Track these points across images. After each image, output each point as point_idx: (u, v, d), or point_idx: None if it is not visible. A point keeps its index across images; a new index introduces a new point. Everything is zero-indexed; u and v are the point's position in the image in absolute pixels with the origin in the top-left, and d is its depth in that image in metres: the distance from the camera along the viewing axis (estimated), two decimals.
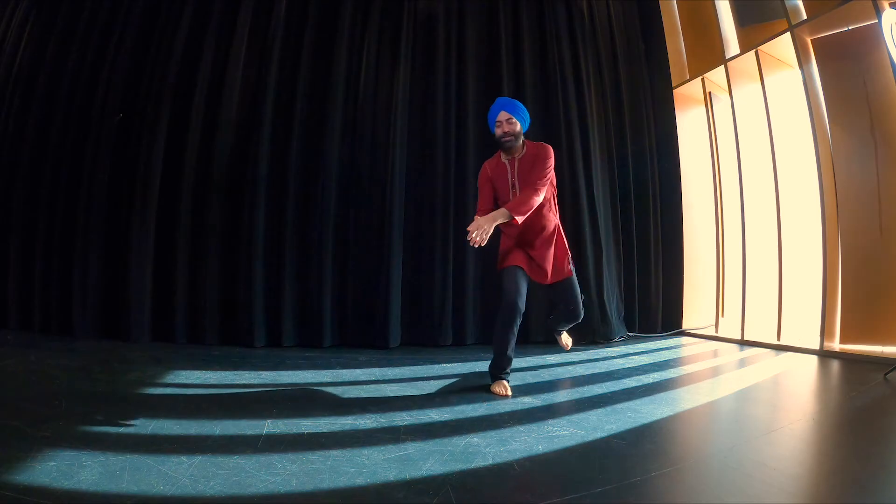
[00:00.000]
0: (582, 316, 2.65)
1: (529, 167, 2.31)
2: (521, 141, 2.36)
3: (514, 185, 2.33)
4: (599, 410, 2.02)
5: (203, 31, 3.73)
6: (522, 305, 2.26)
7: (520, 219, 2.16)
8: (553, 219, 2.44)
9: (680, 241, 4.58)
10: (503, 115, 2.32)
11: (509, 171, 2.35)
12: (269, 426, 1.70)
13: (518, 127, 2.33)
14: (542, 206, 2.33)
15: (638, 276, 4.46)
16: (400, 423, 1.78)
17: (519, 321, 2.26)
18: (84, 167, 3.58)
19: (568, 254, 2.50)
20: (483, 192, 2.44)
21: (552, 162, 2.32)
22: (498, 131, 2.33)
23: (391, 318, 3.61)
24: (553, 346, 3.72)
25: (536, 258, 2.39)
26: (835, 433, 1.89)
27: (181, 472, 1.28)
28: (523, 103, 3.61)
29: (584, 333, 3.96)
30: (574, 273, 2.53)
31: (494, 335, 2.30)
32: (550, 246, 2.43)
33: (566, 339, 2.95)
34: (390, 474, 1.32)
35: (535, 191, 2.23)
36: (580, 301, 2.58)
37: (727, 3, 4.31)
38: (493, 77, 4.15)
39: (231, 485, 1.23)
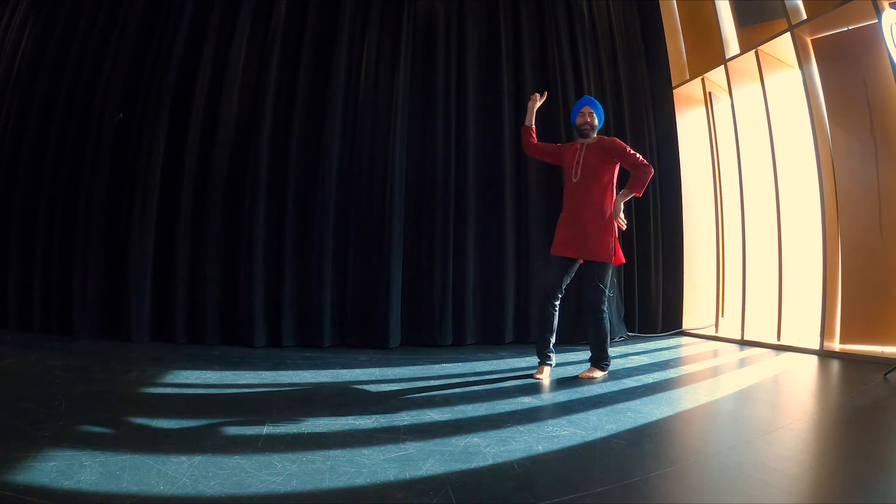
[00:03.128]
0: (602, 315, 2.67)
1: (598, 156, 2.71)
2: (594, 133, 2.81)
3: (578, 163, 2.74)
4: (599, 410, 2.02)
5: (203, 31, 3.73)
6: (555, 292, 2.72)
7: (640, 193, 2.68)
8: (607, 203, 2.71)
9: (680, 241, 4.58)
10: (587, 109, 2.80)
11: (578, 153, 2.76)
12: (269, 426, 1.70)
13: (595, 121, 2.79)
14: (602, 190, 2.70)
15: (638, 276, 4.46)
16: (400, 423, 1.78)
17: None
18: (84, 167, 3.58)
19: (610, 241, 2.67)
20: (551, 149, 2.97)
21: (628, 147, 2.73)
22: (579, 120, 2.80)
23: (391, 318, 3.61)
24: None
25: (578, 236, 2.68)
26: (835, 433, 1.89)
27: (181, 472, 1.28)
28: (523, 104, 3.88)
29: (584, 333, 3.96)
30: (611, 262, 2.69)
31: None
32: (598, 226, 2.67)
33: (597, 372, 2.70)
34: (390, 474, 1.32)
35: (645, 167, 2.65)
36: (603, 293, 2.67)
37: (727, 3, 4.31)
38: (493, 77, 4.15)
39: (231, 485, 1.23)
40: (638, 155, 2.69)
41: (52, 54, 3.79)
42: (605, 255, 2.63)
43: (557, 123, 4.12)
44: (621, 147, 2.71)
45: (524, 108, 4.10)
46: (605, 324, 2.67)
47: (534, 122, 2.95)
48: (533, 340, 3.84)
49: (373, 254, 3.71)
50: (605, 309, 2.69)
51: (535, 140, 2.96)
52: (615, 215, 2.64)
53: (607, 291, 2.69)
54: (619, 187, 2.74)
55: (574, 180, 2.72)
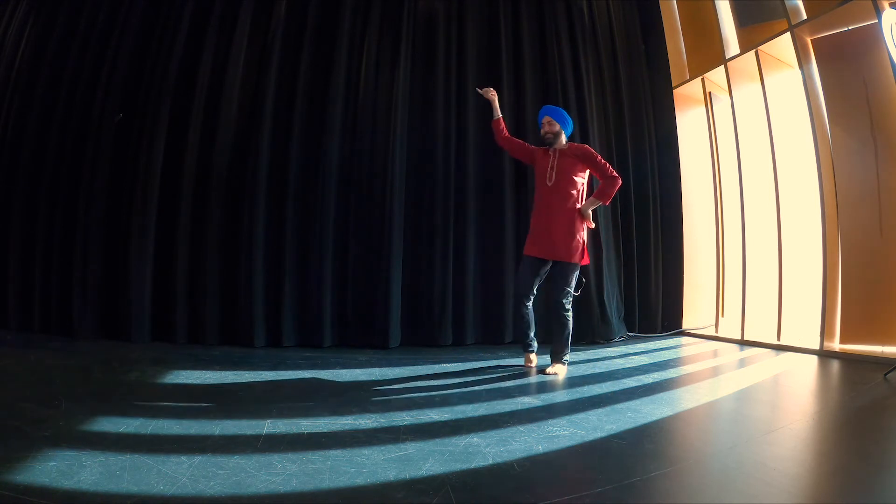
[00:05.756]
0: (567, 312, 2.80)
1: (571, 163, 2.83)
2: (560, 139, 2.91)
3: (552, 168, 2.84)
4: (599, 410, 2.02)
5: (203, 31, 3.73)
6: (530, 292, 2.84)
7: (608, 202, 2.91)
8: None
9: (680, 240, 4.58)
10: (546, 119, 2.92)
11: (552, 158, 2.87)
12: (269, 426, 1.70)
13: (557, 128, 2.90)
14: (574, 194, 2.83)
15: (638, 276, 4.46)
16: (400, 423, 1.78)
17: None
18: (84, 167, 3.58)
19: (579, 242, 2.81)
20: (524, 146, 3.06)
21: (598, 155, 2.86)
22: (543, 129, 2.93)
23: (391, 318, 3.61)
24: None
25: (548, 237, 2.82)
26: (835, 433, 1.89)
27: (181, 472, 1.28)
28: (523, 104, 4.22)
29: (584, 333, 3.96)
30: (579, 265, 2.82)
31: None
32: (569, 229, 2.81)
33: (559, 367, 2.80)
34: (390, 474, 1.32)
35: (613, 179, 2.78)
36: (569, 294, 2.81)
37: (727, 3, 4.31)
38: (493, 77, 4.14)
39: (231, 485, 1.23)
40: (608, 165, 2.83)
41: (52, 54, 3.79)
42: (574, 257, 2.77)
43: None
44: (592, 154, 2.85)
45: (524, 107, 4.14)
46: (568, 321, 2.82)
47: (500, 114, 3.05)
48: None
49: (373, 254, 3.71)
50: (570, 307, 2.84)
51: (506, 133, 3.07)
52: (585, 218, 2.81)
53: (572, 291, 2.84)
54: (589, 193, 2.91)
55: (548, 184, 2.83)
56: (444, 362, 3.08)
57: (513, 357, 3.29)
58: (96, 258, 3.50)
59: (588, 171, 2.87)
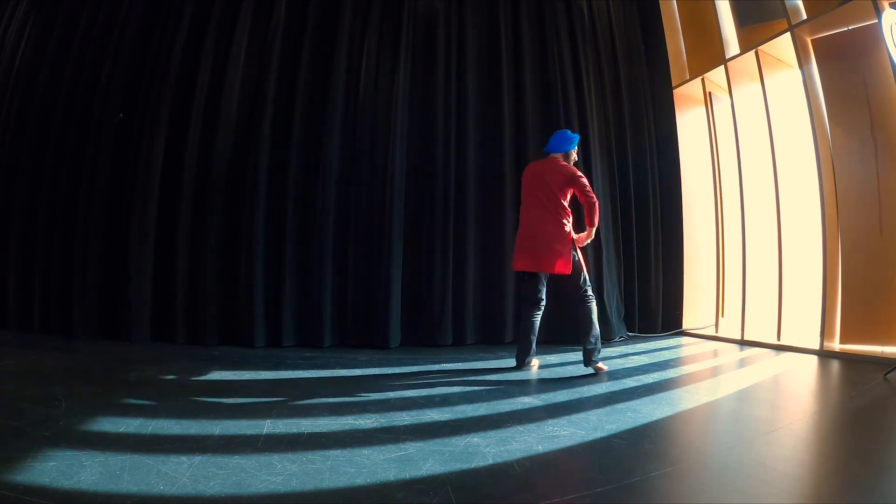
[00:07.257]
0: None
1: None
2: None
3: None
4: (599, 410, 2.02)
5: (203, 31, 3.73)
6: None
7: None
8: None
9: (680, 241, 4.58)
10: None
11: None
12: (269, 426, 1.70)
13: None
14: None
15: (638, 276, 4.46)
16: (400, 423, 1.78)
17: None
18: (84, 167, 3.58)
19: None
20: None
21: None
22: (574, 154, 2.99)
23: (391, 318, 3.61)
24: (553, 346, 3.73)
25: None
26: (835, 433, 1.89)
27: (181, 472, 1.28)
28: (523, 104, 4.28)
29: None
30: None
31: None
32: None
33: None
34: (390, 474, 1.32)
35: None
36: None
37: (727, 3, 4.31)
38: (493, 77, 4.15)
39: (231, 485, 1.23)
40: None
41: (52, 55, 3.79)
42: None
43: (557, 123, 4.12)
44: None
45: (524, 107, 4.14)
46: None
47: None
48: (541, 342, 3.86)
49: (373, 254, 3.71)
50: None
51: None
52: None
53: None
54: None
55: None
56: (444, 362, 3.08)
57: (513, 357, 3.28)
58: (96, 258, 3.50)
59: None
